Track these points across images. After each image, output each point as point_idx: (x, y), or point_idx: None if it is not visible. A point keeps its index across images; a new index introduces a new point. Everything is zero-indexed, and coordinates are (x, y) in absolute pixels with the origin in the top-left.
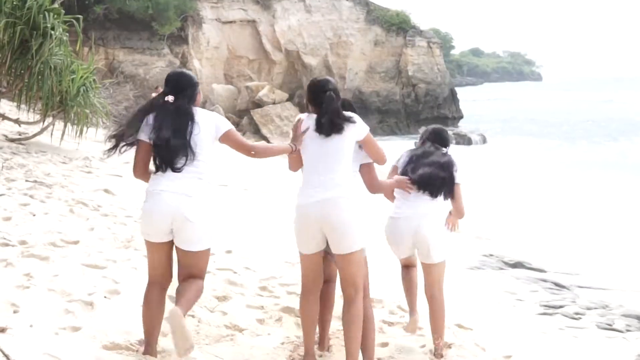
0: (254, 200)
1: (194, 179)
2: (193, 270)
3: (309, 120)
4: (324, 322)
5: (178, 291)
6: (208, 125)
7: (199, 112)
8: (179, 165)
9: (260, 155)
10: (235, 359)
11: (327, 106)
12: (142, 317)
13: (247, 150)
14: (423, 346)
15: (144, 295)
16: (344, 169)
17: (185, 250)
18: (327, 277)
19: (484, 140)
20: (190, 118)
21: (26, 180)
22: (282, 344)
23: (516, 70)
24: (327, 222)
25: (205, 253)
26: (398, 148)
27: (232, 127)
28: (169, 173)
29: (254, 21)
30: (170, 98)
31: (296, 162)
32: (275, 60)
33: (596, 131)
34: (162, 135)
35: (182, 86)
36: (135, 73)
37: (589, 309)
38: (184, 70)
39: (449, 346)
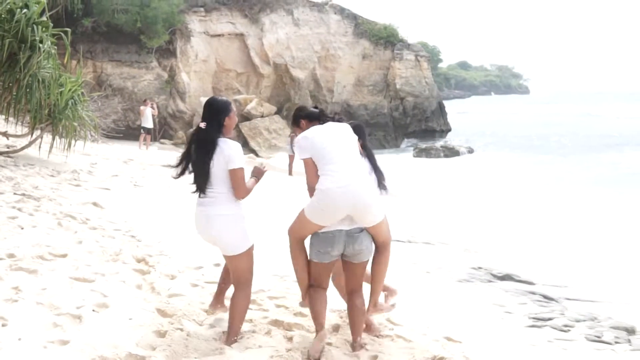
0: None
1: (211, 201)
2: (234, 273)
3: (315, 130)
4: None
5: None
6: (223, 157)
7: (222, 143)
8: (203, 189)
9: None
10: None
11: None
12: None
13: (237, 194)
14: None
15: None
16: (357, 159)
17: (224, 255)
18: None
19: (472, 153)
20: (211, 147)
21: (14, 193)
22: (271, 357)
23: (504, 83)
24: (358, 202)
25: (239, 257)
26: (386, 160)
27: (239, 167)
28: (201, 197)
29: (242, 34)
30: (202, 125)
31: (314, 174)
32: (263, 73)
33: (583, 144)
34: (194, 162)
35: (212, 113)
36: (124, 86)
37: (577, 321)
38: (218, 96)
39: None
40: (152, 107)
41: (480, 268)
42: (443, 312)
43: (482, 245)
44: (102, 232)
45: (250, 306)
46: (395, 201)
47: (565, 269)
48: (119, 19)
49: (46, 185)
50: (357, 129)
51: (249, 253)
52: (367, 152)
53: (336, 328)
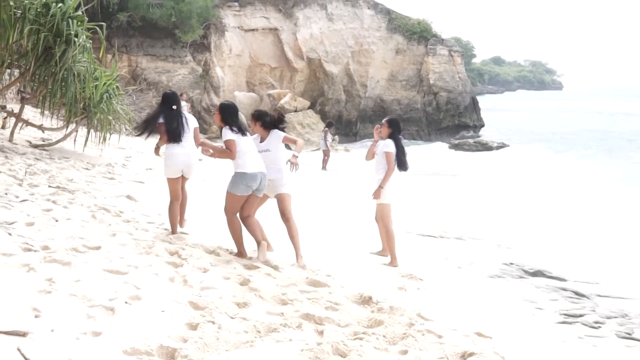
0: (273, 205)
1: (191, 146)
2: None
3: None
4: None
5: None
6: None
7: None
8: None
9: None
10: None
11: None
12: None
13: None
14: (442, 358)
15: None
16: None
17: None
18: None
19: (505, 149)
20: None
21: (49, 186)
22: (302, 350)
23: (537, 79)
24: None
25: (167, 181)
26: (419, 153)
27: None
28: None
29: (276, 29)
30: (174, 107)
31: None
32: (297, 68)
33: (616, 142)
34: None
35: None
36: (158, 80)
37: (608, 318)
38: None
39: (469, 354)
40: (186, 101)
41: (511, 264)
42: (474, 307)
43: (514, 241)
44: (135, 224)
45: (282, 299)
46: (428, 196)
47: (597, 266)
48: (154, 14)
49: (81, 178)
50: (393, 123)
51: (169, 181)
52: (396, 142)
53: (379, 323)
